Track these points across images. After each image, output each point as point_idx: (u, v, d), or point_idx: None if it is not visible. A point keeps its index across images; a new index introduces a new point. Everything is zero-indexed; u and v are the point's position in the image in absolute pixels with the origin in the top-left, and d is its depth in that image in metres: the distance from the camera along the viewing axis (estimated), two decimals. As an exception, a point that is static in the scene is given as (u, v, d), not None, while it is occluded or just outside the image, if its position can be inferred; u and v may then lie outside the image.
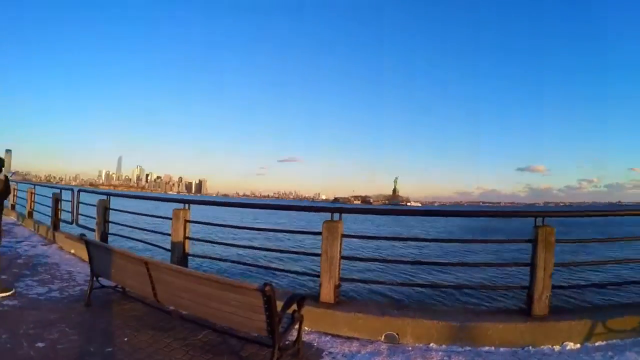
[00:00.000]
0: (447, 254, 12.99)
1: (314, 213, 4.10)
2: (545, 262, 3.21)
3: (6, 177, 4.19)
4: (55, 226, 7.31)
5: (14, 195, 10.68)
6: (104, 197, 5.91)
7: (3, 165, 5.27)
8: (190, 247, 4.64)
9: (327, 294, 3.47)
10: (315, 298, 3.56)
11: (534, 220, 3.38)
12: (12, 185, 10.81)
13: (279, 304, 2.25)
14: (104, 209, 5.87)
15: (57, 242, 6.93)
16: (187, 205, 4.61)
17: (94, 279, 3.85)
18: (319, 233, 3.60)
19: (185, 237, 4.54)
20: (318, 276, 3.59)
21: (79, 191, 6.63)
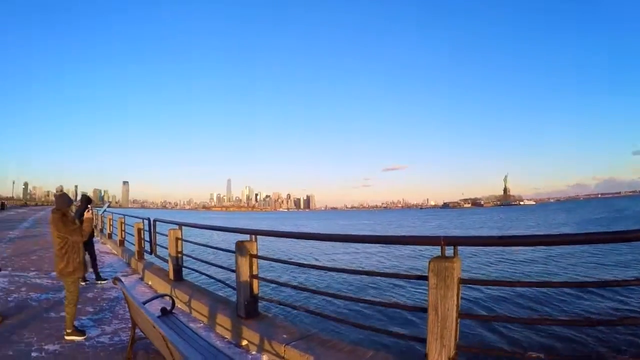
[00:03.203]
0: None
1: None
2: None
3: (90, 216, 3.88)
4: (140, 255, 7.36)
5: (109, 225, 11.84)
6: (176, 227, 5.49)
7: (90, 203, 5.30)
8: (260, 288, 3.71)
9: (436, 371, 2.12)
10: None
11: None
12: (108, 215, 12.14)
13: None
14: (176, 240, 5.45)
15: (139, 273, 6.87)
16: (253, 237, 3.71)
17: (136, 329, 3.17)
18: (424, 277, 2.30)
19: (253, 276, 3.62)
20: (423, 341, 2.31)
21: (154, 221, 6.49)
